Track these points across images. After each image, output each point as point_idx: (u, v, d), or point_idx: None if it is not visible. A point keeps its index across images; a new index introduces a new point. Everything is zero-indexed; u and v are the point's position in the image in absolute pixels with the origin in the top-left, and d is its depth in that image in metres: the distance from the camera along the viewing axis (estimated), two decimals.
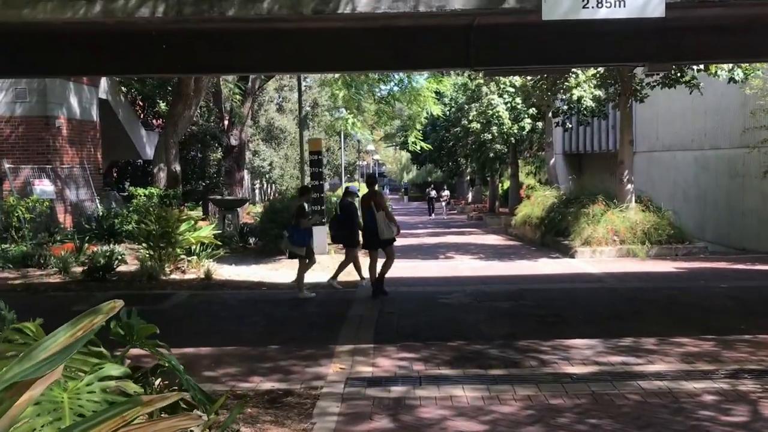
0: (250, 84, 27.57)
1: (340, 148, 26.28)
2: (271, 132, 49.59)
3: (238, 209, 19.34)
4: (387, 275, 10.06)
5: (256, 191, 50.95)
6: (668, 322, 8.05)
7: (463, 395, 5.44)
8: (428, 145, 16.93)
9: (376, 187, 10.63)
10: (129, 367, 4.14)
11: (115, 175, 28.05)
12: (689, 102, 18.65)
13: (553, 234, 15.43)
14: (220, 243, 12.95)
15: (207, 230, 12.73)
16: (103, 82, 20.59)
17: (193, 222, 12.65)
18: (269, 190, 51.26)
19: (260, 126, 50.86)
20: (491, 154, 24.53)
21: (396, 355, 6.76)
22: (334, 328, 7.93)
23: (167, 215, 11.78)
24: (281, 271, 12.78)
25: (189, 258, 12.49)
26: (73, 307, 9.43)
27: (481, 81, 21.30)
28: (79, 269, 12.08)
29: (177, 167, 17.68)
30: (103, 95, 20.48)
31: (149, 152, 22.40)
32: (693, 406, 5.08)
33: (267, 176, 48.57)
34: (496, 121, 20.28)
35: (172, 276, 11.95)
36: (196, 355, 6.94)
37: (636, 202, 14.72)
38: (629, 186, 14.62)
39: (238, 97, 21.96)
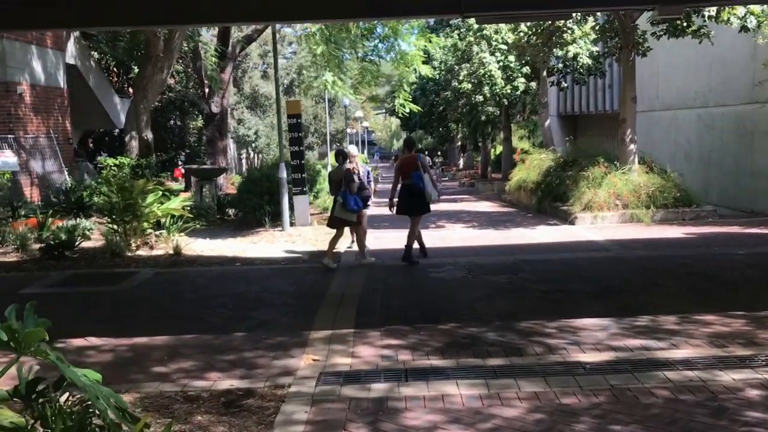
0: (230, 48, 26.37)
1: (327, 114, 25.14)
2: (256, 99, 48.25)
3: (217, 179, 18.28)
4: (371, 247, 9.19)
5: (243, 161, 49.82)
6: (687, 295, 7.16)
7: (457, 393, 4.53)
8: (417, 107, 15.87)
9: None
10: (26, 382, 3.19)
11: (91, 145, 26.87)
12: (692, 56, 17.60)
13: (550, 199, 14.49)
14: (191, 216, 11.94)
15: (176, 202, 11.71)
16: (71, 46, 19.34)
17: (161, 193, 11.61)
18: (256, 159, 50.10)
19: (244, 93, 49.49)
20: (483, 117, 23.44)
21: (379, 342, 5.84)
22: (310, 310, 7.00)
23: (130, 186, 10.75)
24: (259, 245, 11.82)
25: (158, 232, 11.50)
26: (22, 289, 8.48)
27: (472, 39, 20.13)
28: (38, 246, 11.09)
29: (149, 135, 16.58)
30: (71, 60, 19.24)
31: (124, 121, 21.23)
32: (737, 405, 4.18)
33: (253, 145, 47.37)
34: (488, 81, 19.16)
35: (139, 252, 10.97)
36: (149, 345, 6.00)
37: (639, 163, 13.77)
38: (632, 146, 13.65)
39: (213, 59, 20.73)
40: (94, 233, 12.35)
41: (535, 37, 14.78)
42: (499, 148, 35.53)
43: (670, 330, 5.87)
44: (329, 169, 22.61)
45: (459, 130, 38.38)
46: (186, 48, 22.67)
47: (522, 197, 17.08)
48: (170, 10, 8.64)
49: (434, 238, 11.82)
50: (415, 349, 5.59)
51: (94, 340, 6.20)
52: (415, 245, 9.82)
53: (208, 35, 28.24)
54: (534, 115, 28.13)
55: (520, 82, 19.13)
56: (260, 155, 48.81)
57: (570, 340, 5.70)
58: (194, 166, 17.66)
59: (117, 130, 24.06)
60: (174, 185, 22.79)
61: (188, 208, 14.69)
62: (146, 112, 16.34)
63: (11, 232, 11.80)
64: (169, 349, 5.88)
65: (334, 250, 9.82)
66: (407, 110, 15.85)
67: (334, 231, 9.88)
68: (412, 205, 9.65)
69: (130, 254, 10.79)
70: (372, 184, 11.16)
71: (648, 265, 8.79)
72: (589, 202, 12.79)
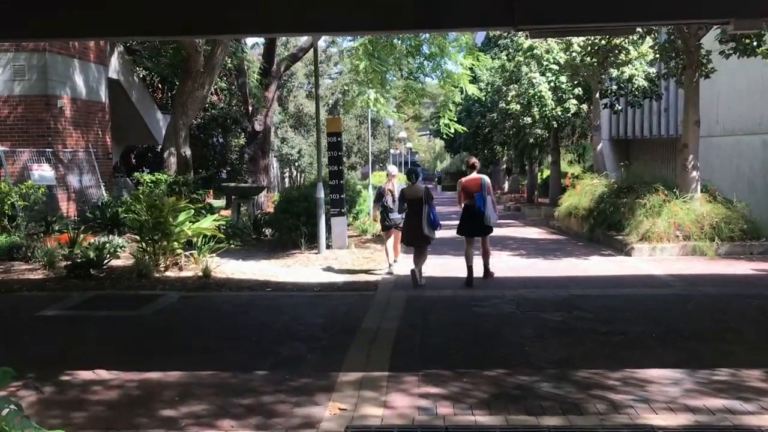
0: (275, 66, 26.19)
1: (369, 134, 24.62)
2: (301, 119, 48.23)
3: (257, 197, 17.83)
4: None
5: (286, 180, 49.77)
6: None
7: None
8: (463, 128, 15.17)
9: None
10: None
11: (134, 161, 26.87)
12: (758, 78, 16.56)
13: (604, 227, 13.58)
14: (223, 236, 11.43)
15: (208, 221, 11.22)
16: (114, 61, 19.27)
17: (193, 211, 11.14)
18: (299, 178, 49.98)
19: (289, 112, 49.57)
20: (531, 140, 22.59)
21: (416, 389, 5.13)
22: (340, 346, 6.32)
23: (160, 204, 10.29)
24: (293, 268, 11.23)
25: (188, 253, 11.00)
26: (40, 311, 8.03)
27: (522, 59, 19.39)
28: (65, 264, 10.70)
29: (187, 152, 16.25)
30: (113, 75, 19.15)
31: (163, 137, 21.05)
32: None
33: (296, 164, 47.27)
34: (538, 102, 18.36)
35: (167, 273, 10.48)
36: (161, 382, 5.40)
37: (701, 192, 12.80)
38: (694, 173, 12.69)
39: (256, 76, 20.45)
40: (126, 251, 11.95)
41: (589, 57, 13.98)
42: (546, 172, 34.52)
43: (757, 388, 5.01)
44: (371, 189, 22.04)
45: (504, 153, 37.49)
46: (230, 65, 22.51)
47: (572, 224, 16.18)
48: (204, 19, 8.18)
49: (479, 266, 11.05)
50: (457, 401, 4.86)
51: (103, 374, 5.63)
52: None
53: (255, 54, 28.15)
54: (583, 139, 27.14)
55: (572, 104, 18.28)
56: (303, 174, 48.69)
57: (637, 395, 4.90)
58: (232, 184, 17.26)
59: (159, 147, 23.99)
60: (216, 202, 22.54)
61: (223, 227, 14.31)
62: (185, 128, 16.02)
63: (41, 248, 11.46)
64: (181, 387, 5.26)
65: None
66: (452, 131, 15.17)
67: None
68: (475, 227, 9.79)
69: (158, 275, 10.31)
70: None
71: (718, 306, 7.88)
72: (647, 232, 11.87)
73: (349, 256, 12.36)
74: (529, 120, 21.31)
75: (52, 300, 8.61)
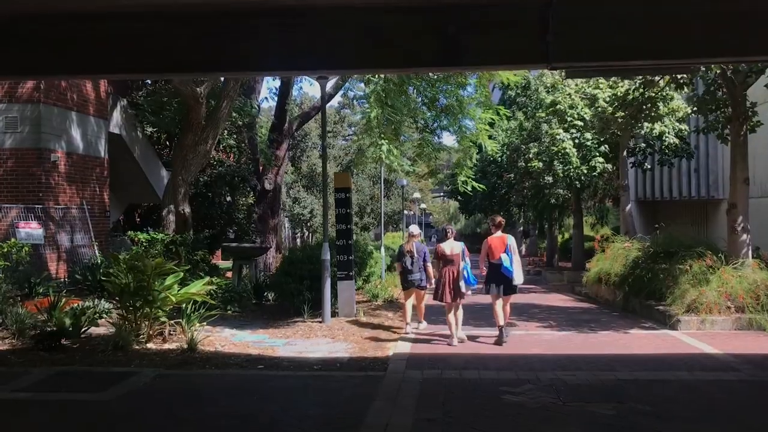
0: (286, 124, 25.46)
1: (381, 193, 23.61)
2: (313, 179, 47.44)
3: (264, 258, 16.61)
4: (427, 351, 8.17)
5: (298, 240, 48.73)
6: None
7: None
8: (481, 186, 14.04)
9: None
10: None
11: (138, 219, 25.89)
12: None
13: (643, 296, 12.18)
14: (216, 302, 10.15)
15: (198, 285, 9.97)
16: (116, 115, 18.47)
17: (182, 274, 9.92)
18: (311, 238, 48.91)
19: (302, 172, 48.89)
20: (552, 201, 21.41)
21: None
22: None
23: (142, 265, 9.09)
24: (292, 340, 9.91)
25: (175, 321, 9.74)
26: None
27: (543, 115, 18.36)
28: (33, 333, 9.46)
29: (186, 209, 15.14)
30: (115, 129, 18.31)
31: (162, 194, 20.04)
32: None
33: (308, 224, 46.27)
34: (562, 160, 17.26)
35: (149, 345, 9.20)
36: None
37: (752, 257, 11.45)
38: (744, 236, 11.36)
39: (264, 131, 19.58)
40: (113, 317, 10.70)
41: (621, 110, 12.88)
42: (566, 235, 33.21)
43: None
44: (383, 251, 20.80)
45: (521, 215, 36.34)
46: (239, 122, 21.69)
47: (602, 291, 14.79)
48: (194, 59, 7.17)
49: (512, 342, 9.69)
50: None
51: None
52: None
53: (268, 109, 27.45)
54: (606, 201, 25.93)
55: (598, 162, 17.14)
56: (315, 235, 47.65)
57: None
58: (233, 244, 16.10)
59: None
60: (225, 263, 21.34)
61: (220, 291, 13.06)
62: (185, 184, 14.97)
63: (12, 314, 10.25)
64: None
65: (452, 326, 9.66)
66: (470, 188, 14.02)
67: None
68: (505, 285, 9.75)
69: (137, 347, 9.03)
70: (429, 265, 10.70)
71: None
72: (694, 303, 10.48)
73: (356, 325, 11.03)
74: (550, 179, 20.18)
75: (7, 378, 7.34)
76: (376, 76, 9.54)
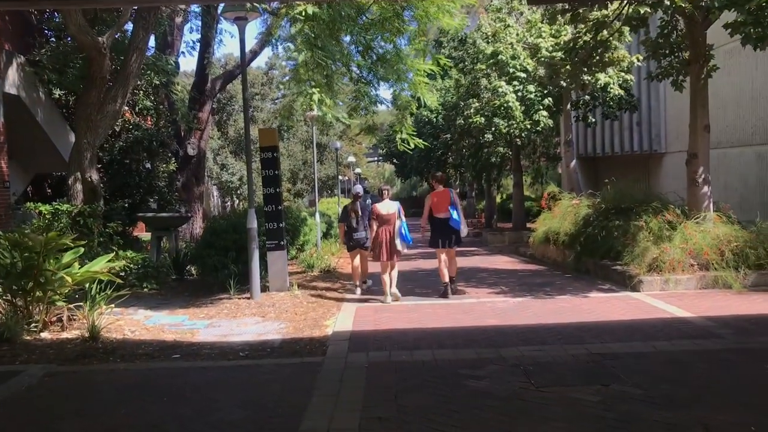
0: (209, 84, 23.68)
1: (315, 157, 22.11)
2: (241, 144, 45.42)
3: (191, 228, 15.12)
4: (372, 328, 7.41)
5: (227, 209, 46.80)
6: None
7: None
8: (423, 142, 12.92)
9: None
10: None
11: (49, 190, 23.71)
12: (748, 84, 14.86)
13: (597, 256, 11.42)
14: (121, 280, 8.73)
15: (101, 262, 8.54)
16: (12, 73, 16.38)
17: (83, 250, 8.49)
18: (241, 207, 47.12)
19: (229, 137, 46.80)
20: (492, 159, 20.55)
21: None
22: None
23: (30, 241, 7.62)
24: (215, 321, 8.65)
25: (76, 305, 8.32)
26: None
27: (483, 67, 17.28)
28: None
29: (94, 176, 13.49)
30: (11, 90, 16.22)
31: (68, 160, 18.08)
32: None
33: (237, 192, 44.41)
34: (504, 115, 16.24)
35: (44, 334, 7.78)
36: None
37: (714, 210, 10.78)
38: (705, 188, 10.64)
39: (180, 88, 17.89)
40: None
41: (570, 55, 11.90)
42: (504, 196, 32.68)
43: None
44: (318, 217, 19.56)
45: (457, 176, 35.65)
46: (156, 81, 19.80)
47: (550, 252, 14.02)
48: None
49: (457, 311, 8.69)
50: None
51: None
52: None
53: (191, 73, 25.48)
54: (544, 158, 25.33)
55: (542, 116, 16.23)
56: (245, 203, 45.84)
57: None
58: (149, 214, 14.54)
59: None
60: (148, 236, 19.67)
61: (134, 267, 11.63)
62: (90, 148, 13.30)
63: None
64: None
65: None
66: (412, 146, 12.89)
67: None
68: (447, 238, 10.04)
69: (29, 338, 7.61)
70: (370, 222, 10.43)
71: None
72: (656, 261, 9.73)
73: (290, 300, 9.83)
74: (490, 137, 19.27)
75: None
76: (303, 9, 8.20)
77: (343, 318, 8.45)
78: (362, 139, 76.40)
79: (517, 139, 19.19)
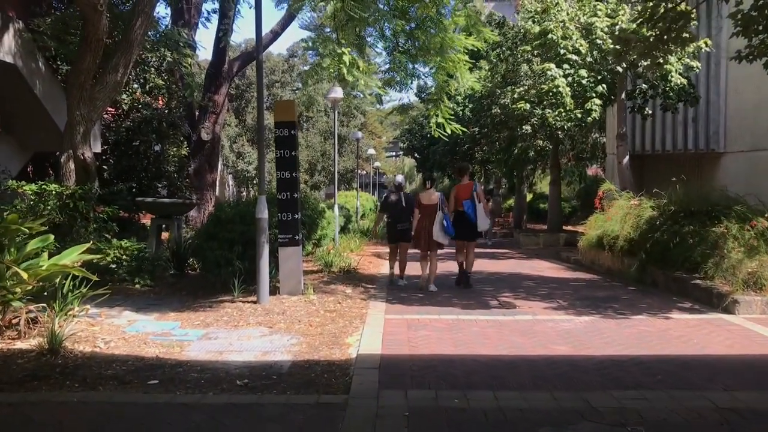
0: (225, 66, 22.12)
1: (336, 141, 20.41)
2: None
3: (183, 217, 13.52)
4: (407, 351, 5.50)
5: (243, 199, 45.30)
6: None
7: None
8: (461, 128, 11.18)
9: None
10: None
11: (51, 171, 22.26)
12: None
13: (669, 267, 9.65)
14: (95, 277, 7.09)
15: (73, 254, 6.93)
16: (8, 39, 14.84)
17: (50, 238, 6.89)
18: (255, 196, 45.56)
19: (247, 125, 45.33)
20: (531, 153, 18.74)
21: None
22: None
23: None
24: (212, 332, 6.99)
25: (42, 306, 6.71)
26: None
27: (529, 48, 15.45)
28: None
29: (87, 154, 11.89)
30: (6, 57, 14.70)
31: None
32: None
33: (254, 182, 42.88)
34: (552, 101, 14.41)
35: None
36: None
37: None
38: None
39: (189, 60, 16.30)
40: None
41: (647, 29, 10.00)
42: (531, 195, 30.85)
43: None
44: (337, 211, 17.89)
45: (482, 173, 33.84)
46: (168, 57, 18.22)
47: (603, 258, 12.27)
48: None
49: (511, 331, 6.97)
50: None
51: None
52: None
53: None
54: (583, 155, 23.47)
55: (595, 104, 14.40)
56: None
57: None
58: (148, 199, 12.92)
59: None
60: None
61: (126, 259, 10.04)
62: (84, 122, 11.69)
63: None
64: None
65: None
66: (449, 132, 11.18)
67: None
68: (466, 233, 10.03)
69: None
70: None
71: None
72: (753, 277, 7.96)
73: (304, 307, 8.16)
74: (529, 128, 17.50)
75: None
76: None
77: (370, 334, 6.77)
78: (382, 132, 74.73)
79: (558, 132, 17.37)
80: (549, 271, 12.87)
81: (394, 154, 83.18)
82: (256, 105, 8.74)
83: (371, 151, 46.51)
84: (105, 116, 19.14)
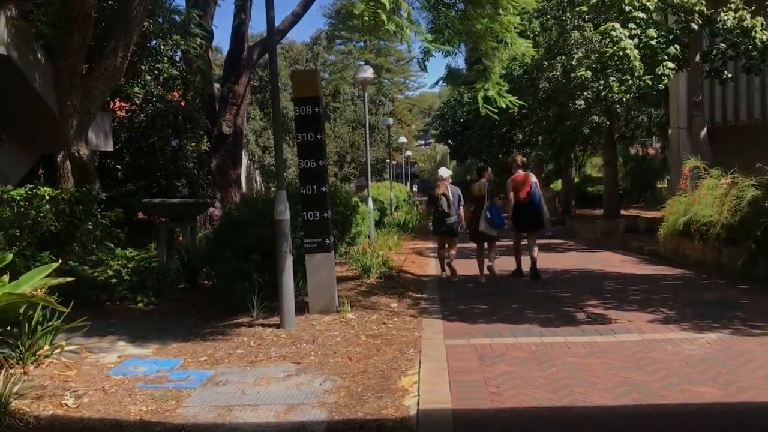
0: (245, 53, 20.48)
1: (365, 116, 18.62)
2: (286, 124, 42.38)
3: (195, 219, 11.87)
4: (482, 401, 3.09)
5: (272, 195, 43.81)
6: None
7: None
8: (517, 101, 9.35)
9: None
10: None
11: (41, 173, 20.73)
12: None
13: None
14: (60, 307, 5.42)
15: (35, 278, 5.29)
16: (1, 29, 13.38)
17: (9, 256, 5.29)
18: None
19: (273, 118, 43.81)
20: (586, 130, 16.74)
21: None
22: None
23: None
24: (225, 368, 5.30)
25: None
26: None
27: (584, 9, 13.40)
28: None
29: (84, 151, 10.28)
30: (0, 49, 13.26)
31: (98, 141, 14.98)
32: None
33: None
34: (618, 66, 12.33)
35: None
36: None
37: None
38: None
39: (198, 41, 14.69)
40: None
41: None
42: (577, 178, 28.73)
43: None
44: (371, 204, 16.13)
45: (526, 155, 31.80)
46: (182, 45, 16.58)
47: (691, 249, 10.34)
48: None
49: (621, 362, 5.14)
50: None
51: None
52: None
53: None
54: (637, 132, 21.33)
55: (668, 68, 12.34)
56: (290, 188, 42.69)
57: None
58: (156, 200, 11.31)
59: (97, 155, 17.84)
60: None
61: (127, 272, 8.47)
62: (77, 113, 10.07)
63: None
64: None
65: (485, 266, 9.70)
66: (504, 105, 9.36)
67: None
68: (532, 223, 9.80)
69: None
70: (462, 209, 9.94)
71: None
72: None
73: (340, 330, 6.42)
74: (582, 103, 15.54)
75: None
76: None
77: (431, 373, 5.01)
78: (411, 120, 72.66)
79: (617, 105, 15.37)
80: (625, 266, 10.97)
81: (423, 142, 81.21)
82: (270, 78, 6.99)
83: (402, 139, 44.61)
84: (118, 112, 17.69)
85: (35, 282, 5.20)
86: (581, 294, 8.09)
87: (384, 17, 5.49)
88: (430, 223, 10.66)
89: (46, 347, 5.38)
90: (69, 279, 5.59)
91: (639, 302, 7.45)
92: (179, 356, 5.84)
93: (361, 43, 59.23)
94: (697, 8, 11.00)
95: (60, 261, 6.31)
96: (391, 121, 29.20)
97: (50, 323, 5.50)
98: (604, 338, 5.81)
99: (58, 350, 5.56)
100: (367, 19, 5.46)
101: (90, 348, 6.11)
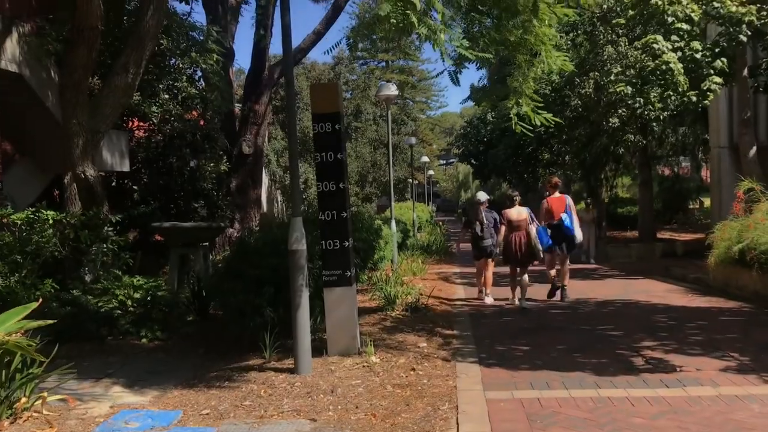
0: (266, 72, 19.95)
1: (388, 133, 17.88)
2: (307, 144, 41.82)
3: (207, 244, 11.18)
4: None
5: None
6: None
7: None
8: (552, 117, 8.57)
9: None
10: None
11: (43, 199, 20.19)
12: None
13: None
14: (38, 356, 4.70)
15: (9, 320, 4.58)
16: (11, 45, 12.86)
17: None
18: (305, 214, 43.29)
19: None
20: (620, 150, 15.89)
21: None
22: None
23: None
24: (228, 425, 4.54)
25: None
26: None
27: (621, 22, 12.57)
28: None
29: (90, 171, 9.65)
30: (10, 66, 12.70)
31: (113, 162, 14.41)
32: None
33: (303, 196, 40.76)
34: (661, 81, 11.48)
35: None
36: None
37: None
38: None
39: (215, 57, 14.14)
40: None
41: None
42: (606, 198, 27.73)
43: None
44: (394, 226, 15.36)
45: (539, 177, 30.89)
46: (201, 63, 16.02)
47: (746, 279, 9.43)
48: None
49: (703, 426, 4.29)
50: None
51: None
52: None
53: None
54: (671, 152, 20.39)
55: (714, 83, 11.46)
56: (310, 209, 42.01)
57: None
58: (166, 224, 10.66)
59: (114, 175, 17.29)
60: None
61: (132, 304, 7.79)
62: (83, 132, 9.47)
63: None
64: None
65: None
66: (538, 123, 8.56)
67: None
68: (562, 241, 9.87)
69: None
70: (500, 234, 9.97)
71: None
72: None
73: (362, 377, 5.63)
74: (617, 121, 14.73)
75: None
76: None
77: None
78: (432, 140, 71.96)
79: (653, 123, 14.53)
80: (672, 296, 10.07)
81: (445, 162, 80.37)
82: (285, 94, 6.30)
83: (425, 158, 43.92)
84: (137, 132, 17.16)
85: (10, 325, 4.49)
86: (632, 332, 7.22)
87: (414, 19, 4.78)
88: (470, 245, 10.80)
89: (24, 399, 4.67)
90: (49, 321, 4.87)
91: (702, 344, 6.56)
92: (179, 407, 5.10)
93: (383, 63, 58.96)
94: (746, 19, 10.15)
95: (41, 299, 5.58)
96: (413, 140, 28.59)
97: (30, 371, 4.80)
98: (672, 392, 4.96)
99: (38, 400, 4.85)
100: (394, 21, 4.75)
101: (80, 395, 5.39)
